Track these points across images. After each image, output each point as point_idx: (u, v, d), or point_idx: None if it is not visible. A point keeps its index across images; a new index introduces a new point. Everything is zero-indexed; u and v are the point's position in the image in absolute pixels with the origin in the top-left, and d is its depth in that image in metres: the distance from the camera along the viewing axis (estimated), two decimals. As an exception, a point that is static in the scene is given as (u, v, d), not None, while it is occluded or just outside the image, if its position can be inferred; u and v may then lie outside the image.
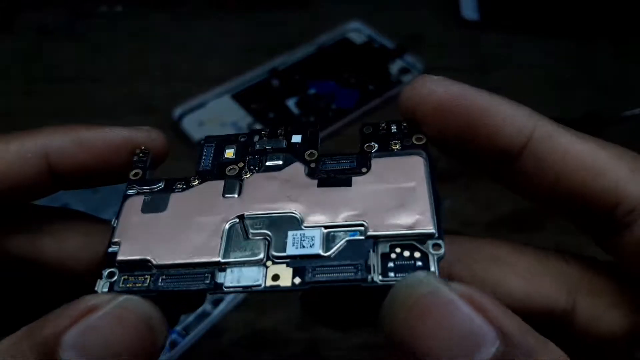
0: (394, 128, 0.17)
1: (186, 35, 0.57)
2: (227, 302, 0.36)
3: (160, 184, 0.17)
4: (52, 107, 0.49)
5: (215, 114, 0.48)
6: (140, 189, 0.17)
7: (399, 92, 0.17)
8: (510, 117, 0.15)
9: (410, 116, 0.16)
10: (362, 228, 0.15)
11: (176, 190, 0.17)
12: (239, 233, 0.15)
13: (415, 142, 0.16)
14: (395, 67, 0.53)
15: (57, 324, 0.14)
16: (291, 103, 0.49)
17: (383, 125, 0.17)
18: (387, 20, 0.58)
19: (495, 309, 0.12)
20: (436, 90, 0.15)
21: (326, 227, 0.15)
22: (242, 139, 0.18)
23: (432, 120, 0.15)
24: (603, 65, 0.55)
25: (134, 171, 0.18)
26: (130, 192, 0.17)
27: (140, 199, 0.17)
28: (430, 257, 0.14)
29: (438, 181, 0.16)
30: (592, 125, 0.48)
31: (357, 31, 0.56)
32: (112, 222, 0.17)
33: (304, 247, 0.15)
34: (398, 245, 0.14)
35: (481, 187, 0.44)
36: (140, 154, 0.18)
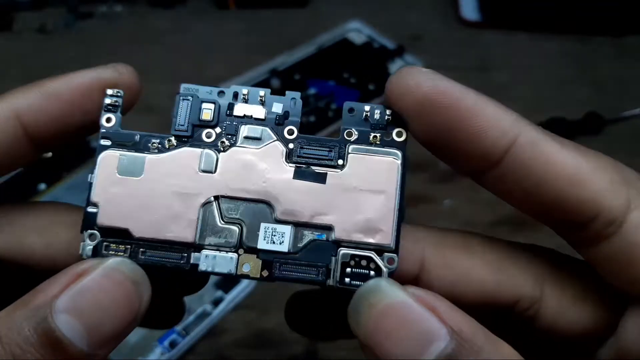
0: (377, 114, 0.16)
1: (186, 35, 0.57)
2: (227, 302, 0.36)
3: (136, 136, 0.16)
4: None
5: (215, 114, 0.48)
6: (115, 141, 0.16)
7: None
8: (496, 120, 0.14)
9: (395, 106, 0.15)
10: (329, 231, 0.16)
11: (152, 151, 0.16)
12: (214, 215, 0.16)
13: (395, 137, 0.16)
14: (395, 66, 0.53)
15: (48, 292, 0.14)
16: (291, 103, 0.49)
17: (367, 109, 0.16)
18: (387, 20, 0.58)
19: (446, 309, 0.13)
20: (423, 84, 0.14)
21: (296, 224, 0.16)
22: (220, 97, 0.17)
23: (415, 114, 0.15)
24: (603, 65, 0.55)
25: (106, 116, 0.16)
26: (104, 142, 0.16)
27: (115, 156, 0.16)
28: (384, 270, 0.15)
29: (406, 185, 0.16)
30: (592, 125, 0.48)
31: (357, 31, 0.56)
32: (89, 177, 0.16)
33: (274, 242, 0.16)
34: (357, 255, 0.16)
35: (482, 188, 0.44)
36: (112, 96, 0.17)
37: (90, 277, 0.14)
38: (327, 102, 0.49)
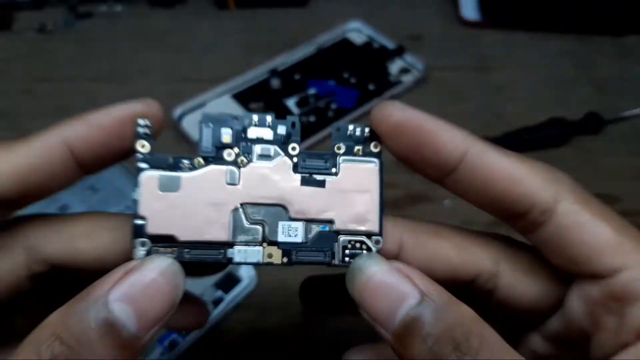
0: (358, 132, 0.21)
1: (186, 35, 0.57)
2: (227, 302, 0.36)
3: (169, 159, 0.20)
4: (52, 106, 0.49)
5: (215, 114, 0.48)
6: (151, 164, 0.19)
7: (399, 91, 0.19)
8: (450, 138, 0.19)
9: (377, 130, 0.20)
10: (331, 223, 0.21)
11: (184, 170, 0.20)
12: (242, 219, 0.20)
13: (372, 149, 0.21)
14: (395, 66, 0.53)
15: (104, 287, 0.17)
16: (291, 103, 0.49)
17: (351, 128, 0.21)
18: (387, 20, 0.58)
19: (418, 277, 0.18)
20: (394, 114, 0.19)
21: (306, 220, 0.20)
22: (236, 125, 0.20)
23: (390, 136, 0.19)
24: (603, 65, 0.55)
25: (140, 142, 0.19)
26: (142, 165, 0.19)
27: (155, 176, 0.19)
28: (372, 248, 0.21)
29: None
30: (592, 125, 0.48)
31: (357, 31, 0.56)
32: (134, 194, 0.19)
33: (290, 236, 0.20)
34: (352, 240, 0.21)
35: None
36: (143, 125, 0.20)
37: (138, 272, 0.17)
38: (327, 102, 0.49)
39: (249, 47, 0.55)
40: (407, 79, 0.51)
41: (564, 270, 0.19)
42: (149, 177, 0.19)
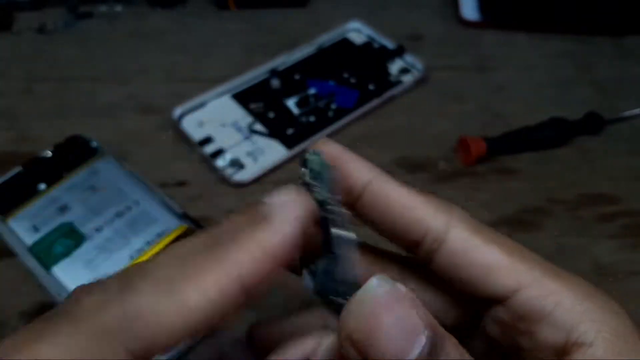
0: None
1: (186, 35, 0.57)
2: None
3: None
4: (52, 106, 0.49)
5: (215, 114, 0.48)
6: None
7: (399, 91, 0.19)
8: (358, 168, 0.20)
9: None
10: None
11: None
12: None
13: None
14: (395, 67, 0.53)
15: None
16: (291, 103, 0.49)
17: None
18: (387, 20, 0.58)
19: (422, 308, 0.16)
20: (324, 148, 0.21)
21: None
22: None
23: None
24: (603, 65, 0.55)
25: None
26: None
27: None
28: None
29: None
30: (592, 125, 0.48)
31: (356, 31, 0.56)
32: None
33: None
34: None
35: (482, 188, 0.44)
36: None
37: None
38: (327, 102, 0.49)
39: (249, 47, 0.55)
40: (407, 79, 0.51)
41: (465, 293, 0.20)
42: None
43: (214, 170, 0.45)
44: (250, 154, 0.45)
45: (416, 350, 0.15)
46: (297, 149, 0.46)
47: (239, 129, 0.47)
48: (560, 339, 0.18)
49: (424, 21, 0.58)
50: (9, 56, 0.54)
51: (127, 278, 0.16)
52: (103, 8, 0.59)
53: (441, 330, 0.16)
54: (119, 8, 0.59)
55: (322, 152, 0.20)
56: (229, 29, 0.57)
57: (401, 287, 0.16)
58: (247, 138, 0.47)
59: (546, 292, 0.18)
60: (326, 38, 0.55)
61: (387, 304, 0.15)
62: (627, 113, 0.49)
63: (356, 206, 0.20)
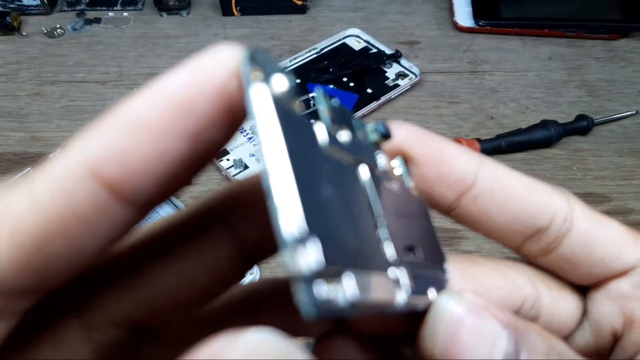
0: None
1: (192, 40, 0.58)
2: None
3: None
4: (61, 108, 0.51)
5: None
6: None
7: (396, 95, 0.17)
8: (463, 152, 0.17)
9: (405, 150, 0.18)
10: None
11: None
12: None
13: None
14: (392, 71, 0.54)
15: None
16: (292, 105, 0.51)
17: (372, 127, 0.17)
18: (384, 27, 0.60)
19: (495, 308, 0.15)
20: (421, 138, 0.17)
21: None
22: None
23: (422, 159, 0.17)
24: (593, 67, 0.56)
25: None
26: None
27: None
28: (446, 279, 0.16)
29: None
30: (582, 127, 0.49)
31: (355, 37, 0.58)
32: None
33: None
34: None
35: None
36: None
37: None
38: (327, 105, 0.51)
39: (251, 51, 0.57)
40: (404, 82, 0.53)
41: (586, 279, 0.18)
42: None
43: (219, 170, 0.46)
44: (253, 155, 0.47)
45: (499, 354, 0.15)
46: (298, 150, 0.47)
47: (242, 131, 0.49)
48: None
49: (419, 28, 0.60)
50: (20, 60, 0.56)
51: None
52: (111, 13, 0.60)
53: (521, 323, 0.15)
54: (126, 14, 0.61)
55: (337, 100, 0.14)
56: (233, 34, 0.59)
57: (468, 296, 0.15)
58: (250, 139, 0.48)
59: None
60: (326, 44, 0.57)
61: (459, 321, 0.15)
62: (616, 115, 0.51)
63: (462, 199, 0.18)
